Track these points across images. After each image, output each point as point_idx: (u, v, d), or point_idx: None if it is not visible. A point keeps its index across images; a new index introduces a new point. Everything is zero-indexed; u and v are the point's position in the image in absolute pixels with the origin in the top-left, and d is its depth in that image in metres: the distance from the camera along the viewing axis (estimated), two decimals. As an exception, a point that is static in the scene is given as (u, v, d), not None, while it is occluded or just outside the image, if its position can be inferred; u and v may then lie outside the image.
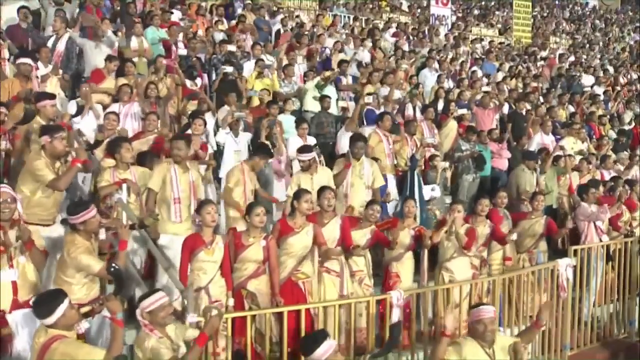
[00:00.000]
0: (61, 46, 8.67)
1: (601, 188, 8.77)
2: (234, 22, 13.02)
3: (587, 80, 16.29)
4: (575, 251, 7.19)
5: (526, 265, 7.36)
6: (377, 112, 9.30)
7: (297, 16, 15.70)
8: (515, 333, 5.97)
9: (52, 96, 6.53)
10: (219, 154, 8.26)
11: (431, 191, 8.38)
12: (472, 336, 4.58)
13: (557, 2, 30.66)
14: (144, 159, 6.56)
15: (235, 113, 8.62)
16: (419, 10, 21.91)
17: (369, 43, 13.64)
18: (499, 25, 23.07)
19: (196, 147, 7.11)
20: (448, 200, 8.71)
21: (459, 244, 6.45)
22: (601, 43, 24.45)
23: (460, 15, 23.42)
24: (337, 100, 10.54)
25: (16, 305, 4.45)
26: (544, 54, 18.88)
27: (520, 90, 13.33)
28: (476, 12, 25.30)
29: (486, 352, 4.52)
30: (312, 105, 10.05)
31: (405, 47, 14.45)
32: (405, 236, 6.46)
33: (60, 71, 8.21)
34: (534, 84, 14.34)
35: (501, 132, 10.48)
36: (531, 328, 5.13)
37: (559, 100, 13.22)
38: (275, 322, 5.34)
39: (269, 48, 11.58)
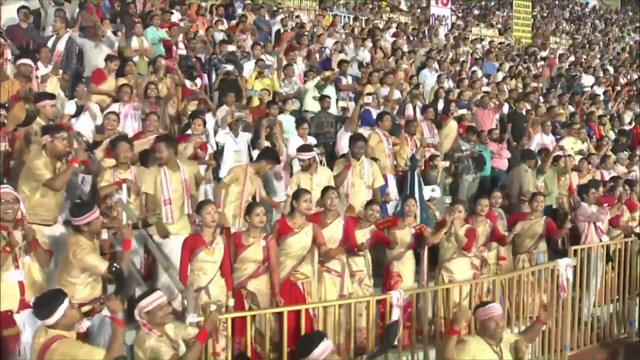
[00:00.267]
0: (61, 46, 8.66)
1: (601, 188, 8.77)
2: (234, 22, 13.02)
3: (587, 80, 16.29)
4: (575, 251, 7.19)
5: (526, 265, 7.36)
6: (374, 113, 9.25)
7: (297, 16, 15.70)
8: (516, 333, 5.96)
9: (52, 96, 6.53)
10: (218, 154, 8.26)
11: (431, 192, 8.39)
12: (480, 334, 4.56)
13: (557, 2, 30.68)
14: (146, 158, 6.55)
15: (235, 113, 8.62)
16: (419, 11, 21.92)
17: (369, 43, 13.64)
18: (499, 26, 23.07)
19: (196, 147, 7.10)
20: (448, 200, 8.72)
21: (458, 246, 6.46)
22: (601, 43, 24.46)
23: (460, 15, 23.42)
24: (337, 100, 10.53)
25: (23, 305, 4.46)
26: (544, 54, 18.88)
27: (520, 90, 13.33)
28: (476, 12, 25.31)
29: (494, 350, 4.53)
30: (312, 106, 10.04)
31: (405, 47, 14.44)
32: (405, 235, 6.46)
33: (60, 71, 8.21)
34: (534, 84, 14.34)
35: (501, 132, 10.49)
36: (534, 325, 5.14)
37: (559, 100, 13.22)
38: (275, 322, 5.34)
39: (269, 48, 11.59)
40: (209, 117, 8.37)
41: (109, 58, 8.63)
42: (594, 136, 11.96)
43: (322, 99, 9.79)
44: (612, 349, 7.61)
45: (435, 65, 13.26)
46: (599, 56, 21.55)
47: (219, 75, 10.12)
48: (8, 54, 7.82)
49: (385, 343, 5.58)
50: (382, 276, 6.61)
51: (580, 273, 7.23)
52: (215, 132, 8.43)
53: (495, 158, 9.87)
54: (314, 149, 7.29)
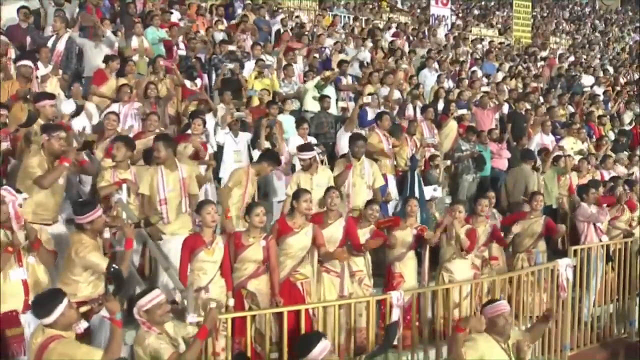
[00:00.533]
0: (61, 46, 8.65)
1: (601, 189, 8.77)
2: (234, 22, 13.02)
3: (587, 80, 16.28)
4: (575, 251, 7.19)
5: (525, 264, 7.36)
6: (372, 114, 9.20)
7: (297, 16, 15.70)
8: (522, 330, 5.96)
9: (51, 96, 6.54)
10: (218, 154, 8.25)
11: (433, 191, 8.39)
12: (488, 331, 4.55)
13: (557, 2, 30.69)
14: (149, 157, 6.52)
15: (235, 113, 8.61)
16: (419, 11, 21.91)
17: (369, 43, 13.64)
18: (499, 26, 23.06)
19: (196, 146, 7.10)
20: (448, 200, 8.72)
21: (461, 248, 6.45)
22: (601, 43, 24.45)
23: (460, 15, 23.41)
24: (337, 100, 10.54)
25: (28, 305, 4.44)
26: (544, 54, 18.87)
27: (520, 90, 13.33)
28: (476, 12, 25.30)
29: (502, 347, 4.52)
30: (311, 106, 10.04)
31: (405, 47, 14.45)
32: (407, 235, 6.46)
33: (60, 71, 8.20)
34: (534, 84, 14.33)
35: (501, 132, 10.49)
36: (539, 323, 5.12)
37: (559, 100, 13.21)
38: (275, 322, 5.34)
39: (269, 48, 11.59)
40: (209, 117, 8.36)
41: (110, 58, 8.61)
42: (593, 136, 11.95)
43: (322, 99, 9.79)
44: (612, 349, 7.61)
45: (435, 65, 13.26)
46: (599, 56, 21.55)
47: (220, 75, 10.12)
48: (12, 54, 7.83)
49: (385, 343, 5.57)
50: (383, 276, 6.61)
51: (580, 273, 7.23)
52: (216, 132, 8.43)
53: (495, 158, 9.87)
54: (315, 148, 7.28)
